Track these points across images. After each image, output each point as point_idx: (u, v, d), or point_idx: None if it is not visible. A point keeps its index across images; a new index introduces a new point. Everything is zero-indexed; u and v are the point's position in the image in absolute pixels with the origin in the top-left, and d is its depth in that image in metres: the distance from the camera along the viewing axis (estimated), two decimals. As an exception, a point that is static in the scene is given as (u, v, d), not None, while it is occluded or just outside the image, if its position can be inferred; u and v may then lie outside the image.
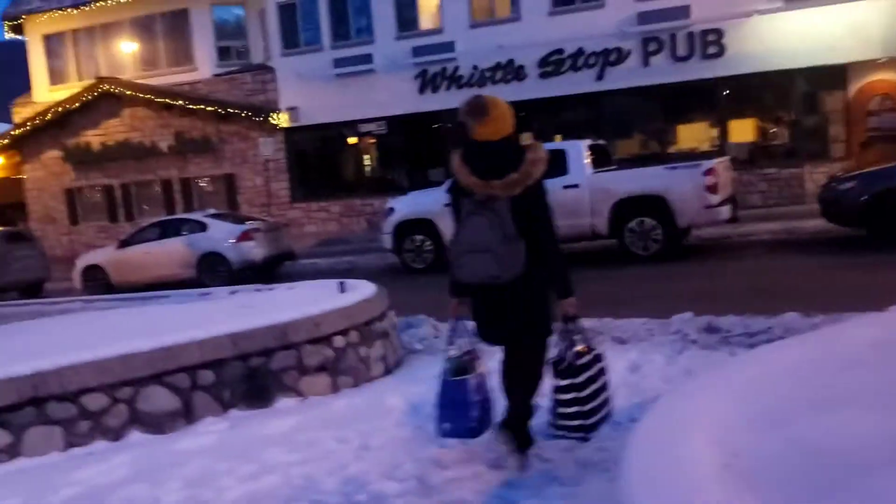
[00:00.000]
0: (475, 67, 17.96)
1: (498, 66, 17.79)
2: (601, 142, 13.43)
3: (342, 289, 6.34)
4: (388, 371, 5.88)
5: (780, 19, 15.77)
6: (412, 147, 19.48)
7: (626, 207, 11.60)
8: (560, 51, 17.32)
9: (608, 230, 11.80)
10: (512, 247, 3.38)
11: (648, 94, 17.19)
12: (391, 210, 13.35)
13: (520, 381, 3.67)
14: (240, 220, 15.59)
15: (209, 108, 19.84)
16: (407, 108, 18.65)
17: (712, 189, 11.24)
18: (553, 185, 11.03)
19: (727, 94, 16.87)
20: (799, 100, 16.55)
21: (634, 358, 5.42)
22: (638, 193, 11.67)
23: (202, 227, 14.62)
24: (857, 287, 7.81)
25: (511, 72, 17.72)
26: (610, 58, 17.06)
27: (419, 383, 5.40)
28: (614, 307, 7.25)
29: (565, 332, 3.58)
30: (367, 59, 18.74)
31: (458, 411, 3.68)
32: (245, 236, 14.25)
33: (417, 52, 18.30)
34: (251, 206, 20.06)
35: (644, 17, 16.64)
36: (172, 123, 20.58)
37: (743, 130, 17.21)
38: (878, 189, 10.77)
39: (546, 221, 3.55)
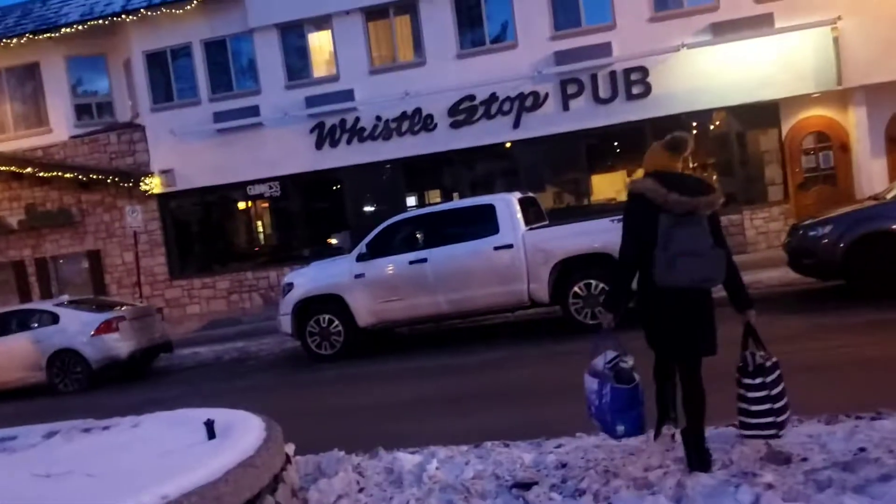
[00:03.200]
0: (378, 118, 15.96)
1: (404, 116, 15.86)
2: (531, 194, 11.64)
3: (211, 433, 3.99)
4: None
5: (709, 53, 14.52)
6: (311, 209, 17.16)
7: (569, 269, 9.91)
8: (471, 97, 15.56)
9: (549, 296, 9.99)
10: (719, 253, 3.81)
11: (570, 141, 15.60)
12: (290, 286, 11.04)
13: (698, 390, 3.95)
14: (102, 306, 12.86)
15: (67, 175, 16.97)
16: (302, 165, 16.42)
17: (668, 244, 9.44)
18: (481, 246, 8.89)
19: (655, 137, 15.42)
20: (732, 140, 15.28)
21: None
22: (582, 251, 9.98)
23: (53, 318, 12.01)
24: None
25: (419, 122, 15.81)
26: (526, 103, 15.41)
27: None
28: (561, 400, 5.54)
29: (748, 339, 3.94)
30: (254, 111, 16.45)
31: (632, 413, 4.02)
32: (106, 327, 11.65)
33: (311, 102, 16.17)
34: (121, 287, 17.18)
35: (561, 57, 15.12)
36: (23, 195, 17.54)
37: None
38: (856, 234, 9.38)
39: (725, 238, 3.95)
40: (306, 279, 11.01)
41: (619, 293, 4.05)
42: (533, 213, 10.95)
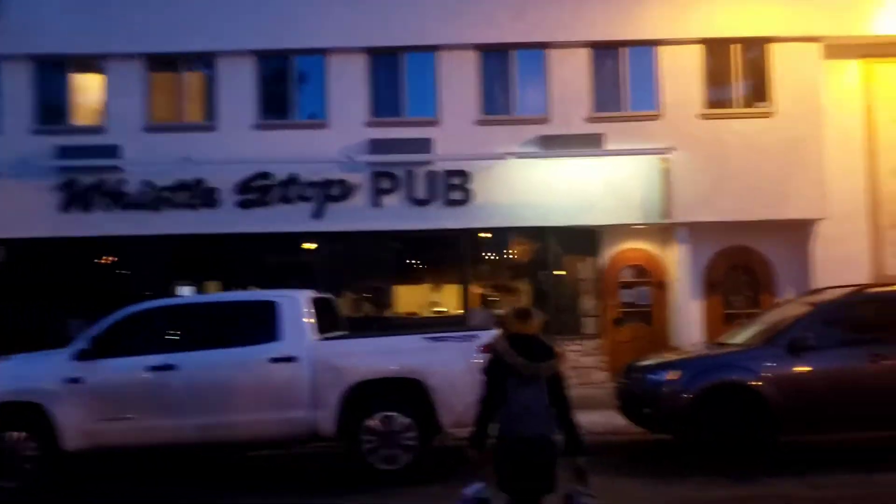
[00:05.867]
0: (149, 184, 13.09)
1: (182, 186, 13.11)
2: (328, 295, 9.39)
3: None
4: None
5: (535, 167, 13.27)
6: (45, 285, 13.61)
7: (366, 395, 7.80)
8: (266, 175, 13.19)
9: (336, 428, 7.79)
10: (550, 412, 4.34)
11: (377, 242, 13.66)
12: (-29, 385, 7.88)
13: None
14: None
15: None
16: (41, 229, 13.06)
17: (489, 373, 7.58)
18: (253, 356, 6.06)
19: (472, 250, 13.88)
20: (549, 264, 13.95)
21: None
22: (385, 375, 7.95)
23: None
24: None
25: (199, 194, 13.13)
26: (332, 191, 13.28)
27: None
28: None
29: (577, 483, 4.34)
30: (-16, 155, 13.05)
31: None
32: None
33: (64, 153, 13.01)
34: None
35: (376, 146, 13.28)
36: None
37: (485, 294, 14.20)
38: (706, 384, 8.12)
39: (568, 397, 4.43)
40: (-2, 378, 7.95)
41: (479, 431, 4.42)
42: (328, 320, 8.71)
